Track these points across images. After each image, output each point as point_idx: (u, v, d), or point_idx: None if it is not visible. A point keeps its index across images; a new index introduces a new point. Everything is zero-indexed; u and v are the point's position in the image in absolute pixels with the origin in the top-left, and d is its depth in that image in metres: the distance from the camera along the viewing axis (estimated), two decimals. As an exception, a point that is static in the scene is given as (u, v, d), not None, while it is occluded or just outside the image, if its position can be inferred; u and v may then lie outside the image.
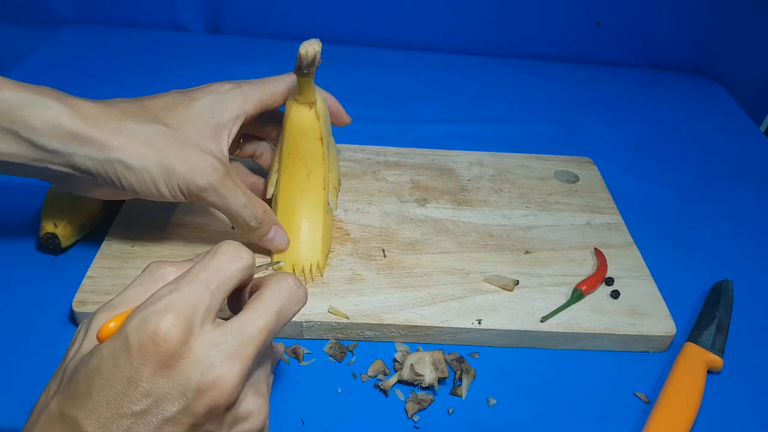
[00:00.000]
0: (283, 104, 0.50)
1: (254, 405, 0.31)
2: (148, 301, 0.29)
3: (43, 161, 0.40)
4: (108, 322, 0.29)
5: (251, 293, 0.34)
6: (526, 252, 0.53)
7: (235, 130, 0.47)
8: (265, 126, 0.53)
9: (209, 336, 0.29)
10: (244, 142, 0.53)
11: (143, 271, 0.33)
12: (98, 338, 0.29)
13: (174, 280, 0.31)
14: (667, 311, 0.48)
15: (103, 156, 0.41)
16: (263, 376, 0.33)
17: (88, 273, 0.47)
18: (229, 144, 0.46)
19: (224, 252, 0.32)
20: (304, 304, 0.34)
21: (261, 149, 0.54)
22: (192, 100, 0.46)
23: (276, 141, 0.52)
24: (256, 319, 0.31)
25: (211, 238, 0.51)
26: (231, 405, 0.29)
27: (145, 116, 0.43)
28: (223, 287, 0.31)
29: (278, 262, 0.47)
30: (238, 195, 0.45)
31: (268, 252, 0.49)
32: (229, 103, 0.46)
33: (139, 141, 0.42)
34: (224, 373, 0.29)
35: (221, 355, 0.29)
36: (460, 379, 0.44)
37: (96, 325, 0.30)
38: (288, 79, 0.49)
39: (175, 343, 0.28)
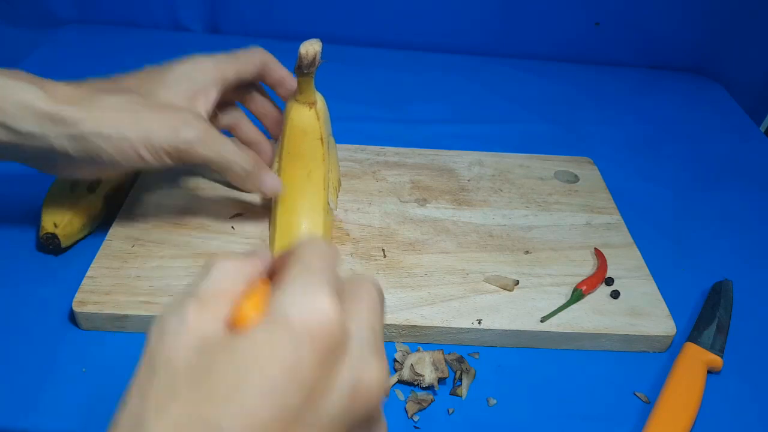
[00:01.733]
0: (257, 75, 0.51)
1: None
2: (291, 283, 0.24)
3: (18, 144, 0.40)
4: (243, 305, 0.24)
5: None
6: (526, 252, 0.53)
7: (212, 95, 0.47)
8: (240, 93, 0.53)
9: (353, 326, 0.25)
10: (219, 112, 0.52)
11: (211, 274, 0.26)
12: (234, 324, 0.24)
13: (293, 266, 0.25)
14: (667, 311, 0.48)
15: (77, 132, 0.40)
16: None
17: (88, 273, 0.47)
18: (208, 108, 0.46)
19: (315, 246, 0.27)
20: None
21: (236, 119, 0.54)
22: (166, 69, 0.47)
23: (249, 106, 0.54)
24: (370, 312, 0.26)
25: (212, 237, 0.51)
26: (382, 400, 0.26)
27: (118, 89, 0.43)
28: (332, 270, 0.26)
29: None
30: (226, 142, 0.44)
31: None
32: (204, 70, 0.47)
33: (112, 111, 0.41)
34: (378, 374, 0.25)
35: (369, 351, 0.25)
36: (460, 379, 0.44)
37: (190, 319, 0.24)
38: (258, 53, 0.50)
39: (342, 331, 0.24)
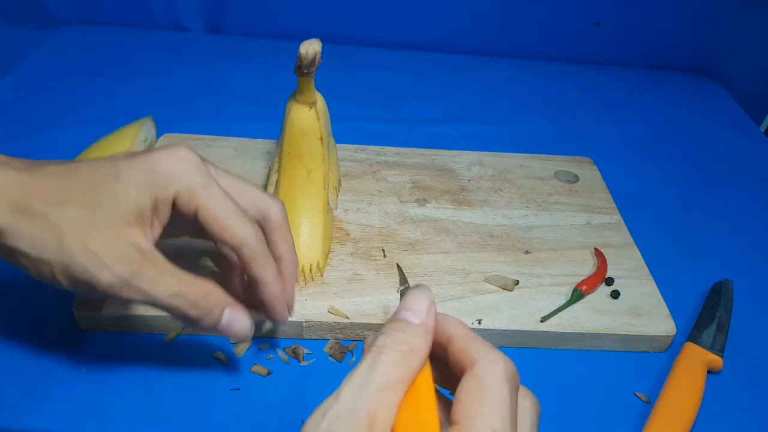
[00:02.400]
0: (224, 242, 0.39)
1: None
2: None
3: None
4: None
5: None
6: (526, 252, 0.53)
7: (165, 213, 0.37)
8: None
9: None
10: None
11: (375, 362, 0.26)
12: None
13: (482, 420, 0.25)
14: (667, 311, 0.48)
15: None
16: None
17: (88, 273, 0.47)
18: (161, 227, 0.37)
19: (505, 376, 0.27)
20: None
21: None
22: (127, 168, 0.36)
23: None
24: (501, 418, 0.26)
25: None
26: None
27: (62, 195, 0.35)
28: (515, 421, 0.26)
29: (406, 287, 0.42)
30: (164, 284, 0.35)
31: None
32: (167, 179, 0.36)
33: (41, 227, 0.34)
34: None
35: None
36: (460, 379, 0.44)
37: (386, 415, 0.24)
38: (253, 238, 0.38)
39: None
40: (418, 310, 0.28)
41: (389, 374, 0.26)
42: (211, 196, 0.37)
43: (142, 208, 0.36)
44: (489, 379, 0.26)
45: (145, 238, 0.36)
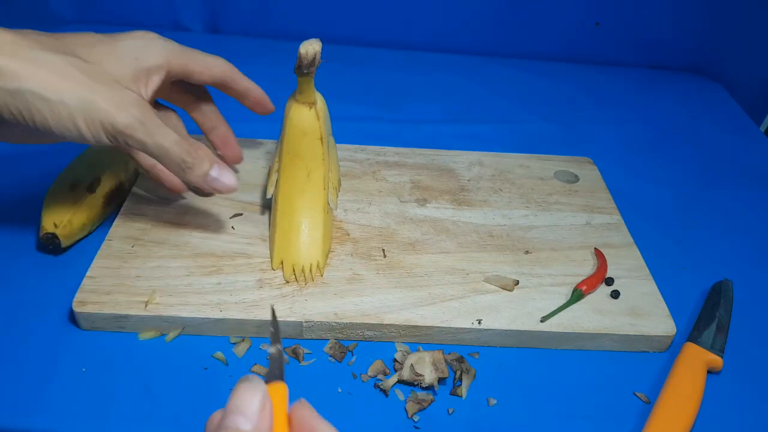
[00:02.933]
0: (210, 83, 0.50)
1: None
2: None
3: None
4: None
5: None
6: (526, 252, 0.53)
7: (156, 79, 0.45)
8: (183, 95, 0.52)
9: None
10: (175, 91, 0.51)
11: None
12: None
13: None
14: (667, 311, 0.48)
15: (13, 86, 0.36)
16: None
17: (88, 273, 0.47)
18: (149, 93, 0.44)
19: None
20: None
21: (198, 99, 0.52)
22: (114, 39, 0.44)
23: (195, 116, 0.53)
24: None
25: (211, 237, 0.51)
26: None
27: (62, 48, 0.39)
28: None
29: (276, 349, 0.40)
30: (167, 131, 0.41)
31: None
32: (155, 51, 0.45)
33: (55, 72, 0.37)
34: None
35: None
36: (460, 379, 0.44)
37: None
38: (219, 61, 0.49)
39: None
40: (248, 412, 0.25)
41: None
42: (193, 53, 0.48)
43: (141, 69, 0.44)
44: None
45: (144, 95, 0.43)
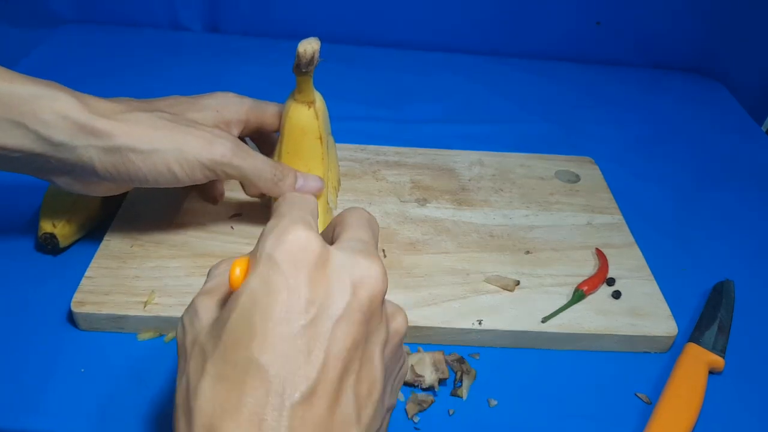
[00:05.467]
0: (276, 130, 0.52)
1: (393, 306, 0.32)
2: (266, 232, 0.29)
3: (46, 155, 0.40)
4: (233, 270, 0.28)
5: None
6: (527, 252, 0.53)
7: (235, 131, 0.50)
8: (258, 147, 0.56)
9: (336, 245, 0.30)
10: None
11: (210, 274, 0.33)
12: (232, 286, 0.28)
13: (271, 218, 0.30)
14: (668, 311, 0.48)
15: (111, 144, 0.40)
16: None
17: (87, 273, 0.47)
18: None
19: (294, 197, 0.33)
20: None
21: (267, 143, 0.56)
22: (197, 98, 0.50)
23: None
24: (362, 231, 0.32)
25: (211, 237, 0.51)
26: (384, 294, 0.30)
27: (151, 108, 0.44)
28: (314, 213, 0.32)
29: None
30: (256, 154, 0.45)
31: None
32: (234, 106, 0.50)
33: (146, 126, 0.42)
34: (370, 264, 0.29)
35: (359, 254, 0.29)
36: (461, 380, 0.43)
37: (203, 306, 0.30)
38: (280, 107, 0.51)
39: (319, 244, 0.28)
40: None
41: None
42: (267, 106, 0.52)
43: (223, 120, 0.49)
44: (349, 213, 0.33)
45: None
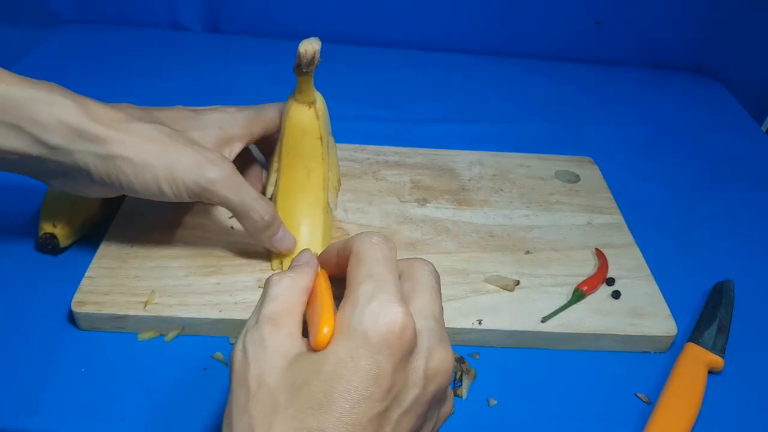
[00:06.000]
0: (278, 131, 0.51)
1: (447, 391, 0.32)
2: (361, 298, 0.28)
3: (42, 157, 0.40)
4: (321, 328, 0.28)
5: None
6: (527, 252, 0.53)
7: (237, 147, 0.49)
8: (264, 151, 0.56)
9: (416, 319, 0.29)
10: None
11: (270, 291, 0.31)
12: (317, 345, 0.28)
13: (359, 275, 0.29)
14: (668, 311, 0.48)
15: (104, 151, 0.40)
16: None
17: (87, 273, 0.47)
18: (231, 158, 0.47)
19: (373, 242, 0.31)
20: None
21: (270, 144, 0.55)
22: (199, 113, 0.49)
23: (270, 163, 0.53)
24: (435, 304, 0.31)
25: (211, 238, 0.51)
26: (449, 384, 0.30)
27: (150, 119, 0.44)
28: (395, 273, 0.31)
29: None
30: (250, 189, 0.44)
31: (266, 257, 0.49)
32: (236, 121, 0.49)
33: (142, 137, 0.41)
34: (445, 357, 0.29)
35: (437, 342, 0.29)
36: (461, 380, 0.43)
37: (269, 340, 0.28)
38: (280, 106, 0.51)
39: (412, 332, 0.28)
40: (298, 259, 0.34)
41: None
42: (268, 110, 0.51)
43: (224, 138, 0.47)
44: (359, 246, 0.31)
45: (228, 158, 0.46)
